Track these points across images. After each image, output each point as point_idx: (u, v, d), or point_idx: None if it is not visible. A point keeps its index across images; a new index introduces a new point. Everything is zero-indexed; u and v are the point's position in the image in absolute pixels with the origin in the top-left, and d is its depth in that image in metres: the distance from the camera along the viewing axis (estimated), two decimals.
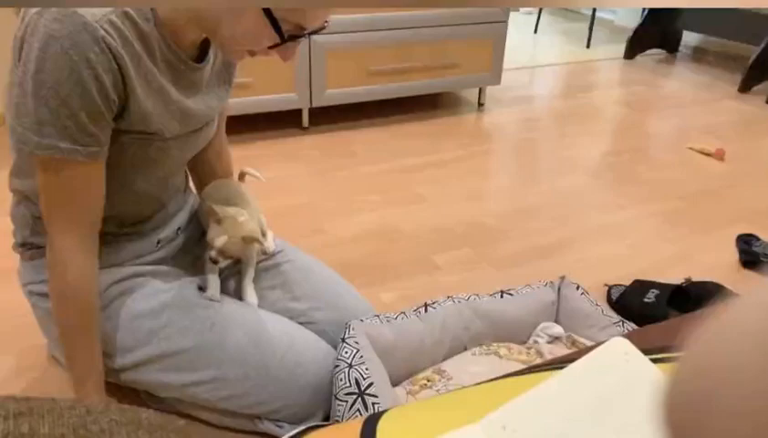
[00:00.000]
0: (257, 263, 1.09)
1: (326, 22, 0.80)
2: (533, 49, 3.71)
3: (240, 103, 2.09)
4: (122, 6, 0.74)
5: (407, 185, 1.89)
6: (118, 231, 0.97)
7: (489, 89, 2.67)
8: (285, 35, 0.76)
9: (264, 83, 2.10)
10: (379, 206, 1.75)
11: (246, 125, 2.25)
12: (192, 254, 1.10)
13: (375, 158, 2.08)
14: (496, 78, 2.53)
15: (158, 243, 1.02)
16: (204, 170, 1.14)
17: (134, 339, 0.92)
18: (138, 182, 0.92)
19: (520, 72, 3.18)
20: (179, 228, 1.07)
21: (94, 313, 0.86)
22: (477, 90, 2.64)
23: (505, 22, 2.43)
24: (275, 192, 1.81)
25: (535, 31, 4.11)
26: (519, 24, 4.23)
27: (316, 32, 0.80)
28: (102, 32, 0.71)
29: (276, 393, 0.93)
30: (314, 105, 2.23)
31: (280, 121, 2.29)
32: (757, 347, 0.20)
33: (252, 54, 0.82)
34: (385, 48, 2.25)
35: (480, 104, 2.64)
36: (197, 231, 1.12)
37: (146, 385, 0.97)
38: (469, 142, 2.25)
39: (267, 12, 0.72)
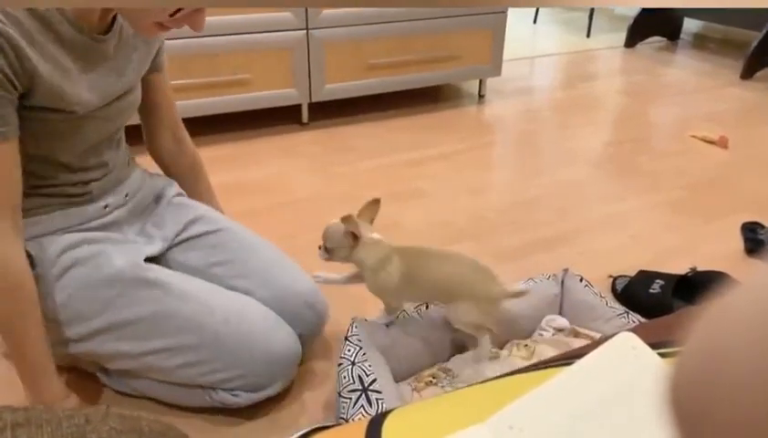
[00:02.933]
0: (202, 235, 1.11)
1: None
2: (532, 40, 3.69)
3: (239, 100, 2.08)
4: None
5: (407, 179, 1.88)
6: (62, 195, 0.97)
7: (489, 81, 2.65)
8: None
9: (262, 79, 2.09)
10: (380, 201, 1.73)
11: (245, 121, 2.24)
12: (141, 222, 1.11)
13: (375, 152, 2.07)
14: (496, 70, 2.51)
15: (105, 207, 1.03)
16: (164, 156, 1.19)
17: (90, 309, 0.93)
18: (60, 154, 0.93)
19: (520, 63, 3.16)
20: (127, 194, 1.08)
21: (30, 297, 0.86)
22: (477, 82, 2.62)
23: (505, 12, 2.41)
24: (275, 189, 1.80)
25: (535, 21, 4.08)
26: (518, 14, 4.20)
27: None
28: None
29: (230, 362, 0.95)
30: (313, 100, 2.21)
31: (279, 117, 2.28)
32: (754, 329, 0.21)
33: (161, 27, 0.83)
34: (384, 41, 2.24)
35: (480, 96, 2.62)
36: (146, 199, 1.13)
37: (100, 356, 0.98)
38: (470, 135, 2.24)
39: None
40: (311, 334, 1.09)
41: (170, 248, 1.10)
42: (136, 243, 1.04)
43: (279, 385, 1.01)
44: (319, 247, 0.99)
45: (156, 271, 0.98)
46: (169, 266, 1.05)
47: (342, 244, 0.96)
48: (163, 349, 0.94)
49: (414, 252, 0.99)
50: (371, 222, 1.01)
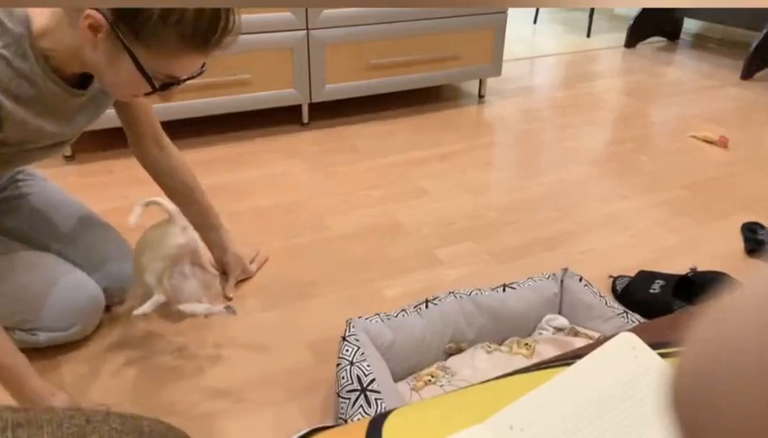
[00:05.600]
0: (15, 198, 1.22)
1: (203, 67, 0.91)
2: (532, 40, 3.69)
3: (239, 100, 2.08)
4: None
5: (408, 179, 1.88)
6: None
7: (489, 81, 2.65)
8: (158, 84, 0.88)
9: (262, 79, 2.09)
10: (381, 201, 1.74)
11: (246, 122, 2.24)
12: None
13: (376, 152, 2.07)
14: (497, 70, 2.51)
15: None
16: (149, 163, 1.25)
17: None
18: None
19: (520, 63, 3.16)
20: None
21: None
22: (477, 82, 2.62)
23: (505, 12, 2.41)
24: (275, 189, 1.80)
25: (535, 21, 4.08)
26: (518, 14, 4.20)
27: (193, 77, 0.91)
28: None
29: (25, 306, 1.08)
30: (313, 100, 2.21)
31: (280, 118, 2.28)
32: (756, 328, 0.21)
33: (135, 96, 0.94)
34: (384, 41, 2.23)
35: (480, 96, 2.62)
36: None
37: None
38: (470, 135, 2.24)
39: (139, 66, 0.84)
40: (118, 286, 1.21)
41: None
42: None
43: (79, 329, 1.13)
44: None
45: None
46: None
47: None
48: None
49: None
50: None
